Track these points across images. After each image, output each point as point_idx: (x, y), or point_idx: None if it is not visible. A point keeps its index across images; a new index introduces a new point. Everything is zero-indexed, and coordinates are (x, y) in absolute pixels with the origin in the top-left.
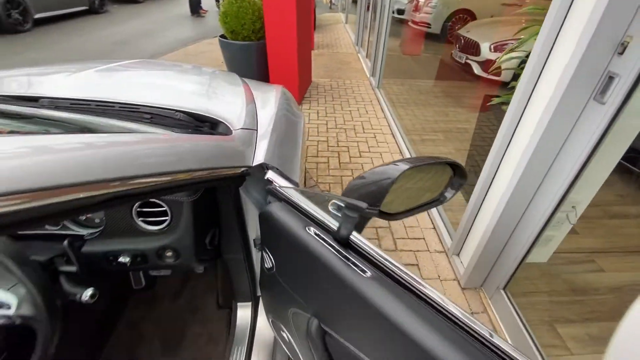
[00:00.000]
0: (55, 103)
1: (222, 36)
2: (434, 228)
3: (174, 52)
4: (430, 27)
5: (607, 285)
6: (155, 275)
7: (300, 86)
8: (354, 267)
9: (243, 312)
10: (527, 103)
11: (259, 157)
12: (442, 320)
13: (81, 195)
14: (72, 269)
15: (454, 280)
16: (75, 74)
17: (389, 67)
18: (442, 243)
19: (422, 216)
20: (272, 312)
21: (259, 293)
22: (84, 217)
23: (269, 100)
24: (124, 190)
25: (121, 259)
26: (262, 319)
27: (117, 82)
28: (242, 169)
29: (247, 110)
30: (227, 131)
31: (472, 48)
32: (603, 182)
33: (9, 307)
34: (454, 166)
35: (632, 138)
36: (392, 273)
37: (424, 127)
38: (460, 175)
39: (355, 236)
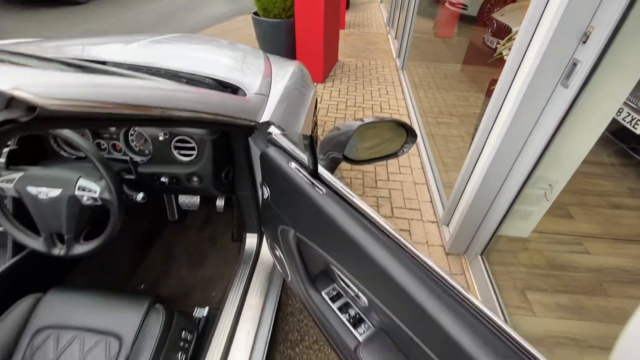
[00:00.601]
0: (119, 66)
1: (255, 13)
2: (431, 202)
3: (212, 27)
4: (466, 9)
5: (587, 266)
6: (186, 211)
7: (324, 64)
8: (316, 188)
9: (250, 241)
10: (510, 86)
11: (266, 116)
12: (373, 228)
13: (138, 112)
14: (132, 177)
15: (440, 246)
16: (129, 44)
17: (417, 49)
18: (435, 215)
19: (423, 191)
20: (269, 234)
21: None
22: (139, 148)
23: (284, 73)
24: (164, 115)
25: (162, 179)
26: (265, 250)
27: (162, 52)
28: (252, 123)
29: (262, 80)
30: (245, 94)
31: (504, 32)
32: (579, 164)
33: (95, 192)
34: (408, 129)
35: (603, 123)
36: (342, 194)
37: (442, 111)
38: (412, 135)
39: (322, 171)
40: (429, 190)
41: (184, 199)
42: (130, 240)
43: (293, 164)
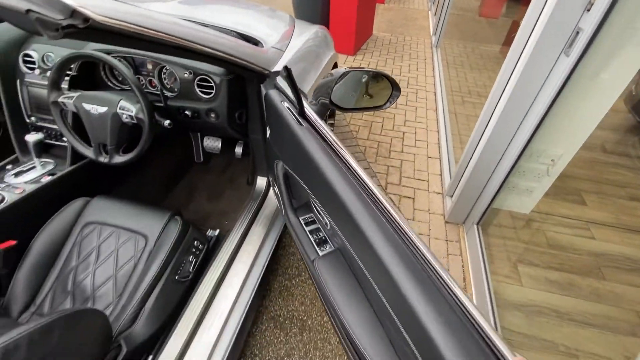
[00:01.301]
0: None
1: None
2: (440, 175)
3: None
4: None
5: (589, 250)
6: (210, 154)
7: (357, 37)
8: (298, 123)
9: (260, 182)
10: (519, 57)
11: (279, 67)
12: (341, 165)
13: (168, 40)
14: (162, 105)
15: (440, 215)
16: (169, 2)
17: (456, 27)
18: (442, 187)
19: (434, 164)
20: (271, 172)
21: None
22: (169, 85)
23: (304, 36)
24: (190, 46)
25: (186, 112)
26: (272, 193)
27: (195, 9)
28: (266, 71)
29: (282, 39)
30: (263, 47)
31: None
32: (584, 140)
33: (132, 112)
34: (392, 83)
35: (609, 97)
36: (320, 131)
37: (470, 91)
38: (397, 90)
39: (309, 112)
40: (440, 164)
41: (208, 142)
42: (162, 173)
43: (285, 104)
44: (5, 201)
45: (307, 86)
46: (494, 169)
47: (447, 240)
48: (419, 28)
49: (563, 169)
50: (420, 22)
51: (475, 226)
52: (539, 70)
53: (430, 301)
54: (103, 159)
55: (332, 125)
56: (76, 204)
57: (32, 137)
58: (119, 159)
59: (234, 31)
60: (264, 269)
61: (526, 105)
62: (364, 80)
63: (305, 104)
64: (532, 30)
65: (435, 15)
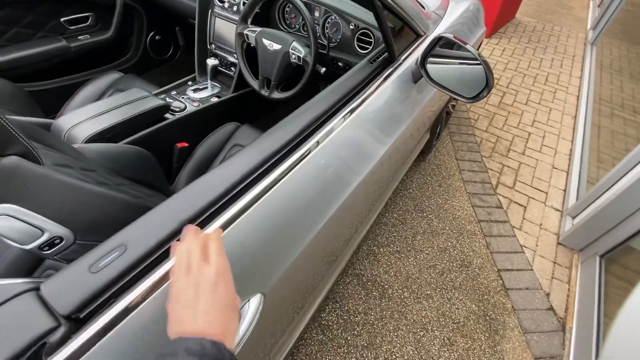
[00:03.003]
0: None
1: None
2: (565, 190)
3: None
4: None
5: None
6: None
7: (498, 17)
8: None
9: None
10: None
11: (436, 33)
12: None
13: None
14: (324, 52)
15: (554, 234)
16: None
17: (626, 24)
18: (563, 204)
19: (559, 177)
20: None
21: None
22: (331, 35)
23: (459, 6)
24: None
25: (339, 64)
26: None
27: None
28: (423, 34)
29: (440, 5)
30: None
31: None
32: None
33: (301, 53)
34: (488, 74)
35: None
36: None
37: (624, 104)
38: (489, 84)
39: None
40: (567, 178)
41: None
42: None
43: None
44: (186, 110)
45: None
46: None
47: (555, 263)
48: (574, 19)
49: None
50: (577, 12)
51: (597, 258)
52: None
53: None
54: (265, 92)
55: (453, 106)
56: (229, 127)
57: (211, 62)
58: (277, 95)
59: None
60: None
61: None
62: (459, 60)
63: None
64: None
65: (599, 6)
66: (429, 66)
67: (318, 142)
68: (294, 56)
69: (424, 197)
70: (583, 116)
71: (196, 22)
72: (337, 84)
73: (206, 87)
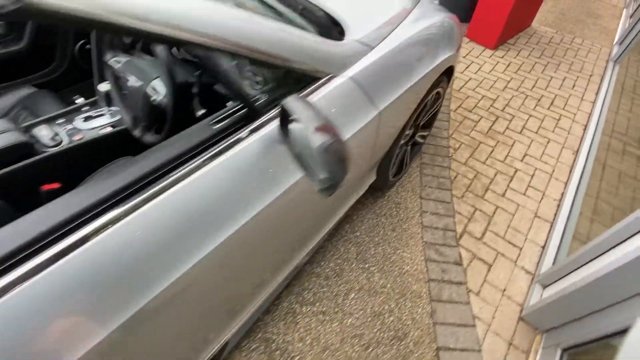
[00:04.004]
0: None
1: None
2: (543, 248)
3: None
4: None
5: None
6: None
7: (507, 25)
8: None
9: None
10: None
11: (354, 70)
12: None
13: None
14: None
15: (517, 304)
16: None
17: None
18: (537, 266)
19: (540, 229)
20: None
21: None
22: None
23: (420, 22)
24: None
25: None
26: None
27: None
28: (326, 74)
29: (380, 27)
30: (342, 38)
31: None
32: None
33: (159, 95)
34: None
35: None
36: None
37: None
38: (333, 180)
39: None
40: (549, 233)
41: None
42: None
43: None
44: (61, 145)
45: (387, 98)
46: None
47: (511, 344)
48: (600, 30)
49: None
50: (606, 22)
51: (559, 351)
52: None
53: None
54: (137, 132)
55: (424, 137)
56: (121, 162)
57: (103, 87)
58: (150, 137)
59: (324, 11)
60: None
61: None
62: None
63: None
64: None
65: (631, 17)
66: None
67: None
68: (153, 96)
69: (371, 243)
70: (586, 151)
71: (93, 37)
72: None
73: (102, 115)
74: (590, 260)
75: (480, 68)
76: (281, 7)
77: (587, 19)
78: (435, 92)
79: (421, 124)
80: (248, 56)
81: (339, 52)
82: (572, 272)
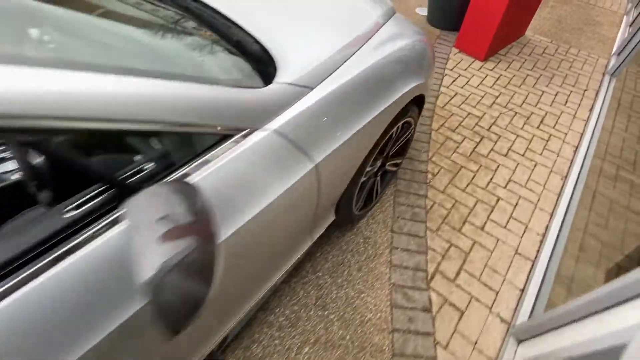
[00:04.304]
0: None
1: None
2: (522, 292)
3: None
4: None
5: None
6: None
7: (497, 35)
8: None
9: None
10: None
11: (280, 121)
12: None
13: None
14: None
15: (487, 358)
16: None
17: None
18: (513, 314)
19: (520, 269)
20: None
21: None
22: None
23: (388, 45)
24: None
25: None
26: None
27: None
28: (242, 130)
29: (327, 60)
30: (272, 74)
31: None
32: None
33: None
34: None
35: None
36: None
37: (638, 160)
38: None
39: None
40: (530, 273)
41: None
42: None
43: None
44: None
45: (326, 145)
46: None
47: None
48: (598, 39)
49: None
50: (605, 30)
51: None
52: None
53: None
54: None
55: (397, 164)
56: (30, 214)
57: None
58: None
59: (255, 40)
60: None
61: None
62: None
63: None
64: None
65: (631, 25)
66: None
67: None
68: None
69: (334, 285)
70: (575, 176)
71: None
72: None
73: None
74: (568, 323)
75: (467, 82)
76: (204, 42)
77: (585, 27)
78: (403, 121)
79: (390, 154)
80: (113, 130)
81: (262, 101)
82: (548, 331)
